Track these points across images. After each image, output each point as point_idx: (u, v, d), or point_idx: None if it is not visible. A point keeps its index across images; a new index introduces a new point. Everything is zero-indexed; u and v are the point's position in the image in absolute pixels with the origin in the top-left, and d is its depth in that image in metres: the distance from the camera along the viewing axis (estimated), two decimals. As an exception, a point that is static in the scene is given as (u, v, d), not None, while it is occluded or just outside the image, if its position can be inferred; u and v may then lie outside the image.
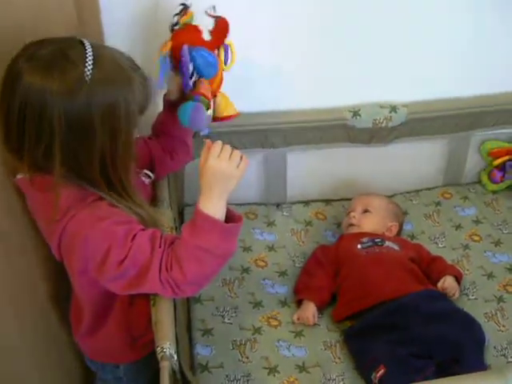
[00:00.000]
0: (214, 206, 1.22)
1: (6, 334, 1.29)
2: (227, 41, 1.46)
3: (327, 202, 2.07)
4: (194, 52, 1.36)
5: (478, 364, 1.49)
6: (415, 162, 2.07)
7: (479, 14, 1.82)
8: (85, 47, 1.16)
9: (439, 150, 2.06)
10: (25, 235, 1.35)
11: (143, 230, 1.22)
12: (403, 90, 1.91)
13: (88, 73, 1.13)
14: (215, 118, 1.48)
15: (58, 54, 1.13)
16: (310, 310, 1.66)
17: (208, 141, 1.27)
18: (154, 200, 1.52)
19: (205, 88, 1.38)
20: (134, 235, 1.19)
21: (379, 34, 1.79)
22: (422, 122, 1.93)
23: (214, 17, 1.44)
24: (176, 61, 1.38)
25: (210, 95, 1.40)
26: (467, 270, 1.81)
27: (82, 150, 1.16)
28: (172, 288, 1.21)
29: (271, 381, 1.51)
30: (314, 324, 1.65)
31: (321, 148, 1.93)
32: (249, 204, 2.02)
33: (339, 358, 1.58)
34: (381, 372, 1.46)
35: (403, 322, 1.54)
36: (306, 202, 2.05)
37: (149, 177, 1.49)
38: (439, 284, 1.68)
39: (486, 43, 1.88)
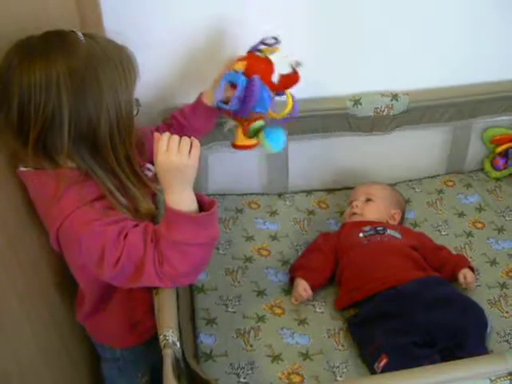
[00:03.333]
0: (179, 199, 1.22)
1: (12, 320, 1.31)
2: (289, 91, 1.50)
3: (329, 191, 2.07)
4: (261, 88, 1.40)
5: (480, 349, 1.48)
6: (417, 150, 2.06)
7: (481, 2, 1.82)
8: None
9: (441, 138, 2.06)
10: (27, 226, 1.36)
11: (136, 225, 1.23)
12: (405, 78, 1.91)
13: (82, 40, 1.19)
14: (235, 146, 1.51)
15: (48, 37, 1.19)
16: (300, 285, 1.65)
17: (156, 134, 1.25)
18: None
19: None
20: (127, 233, 1.20)
21: (380, 22, 1.79)
22: (423, 110, 1.93)
23: (293, 69, 1.48)
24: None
25: None
26: (470, 258, 1.80)
27: (91, 114, 1.18)
28: (169, 280, 1.23)
29: (275, 368, 1.51)
30: (313, 305, 1.66)
31: (322, 137, 1.93)
32: (251, 194, 2.03)
33: (343, 346, 1.58)
34: (383, 362, 1.45)
35: (405, 310, 1.53)
36: (309, 192, 2.06)
37: (150, 171, 1.50)
38: (461, 280, 1.66)
39: (487, 31, 1.88)
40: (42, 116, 1.15)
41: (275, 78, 1.47)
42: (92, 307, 1.43)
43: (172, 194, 1.22)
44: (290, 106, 1.50)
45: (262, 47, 1.47)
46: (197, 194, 1.25)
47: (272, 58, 1.47)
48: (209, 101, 1.56)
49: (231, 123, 1.53)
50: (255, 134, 1.44)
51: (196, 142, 1.23)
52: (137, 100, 1.30)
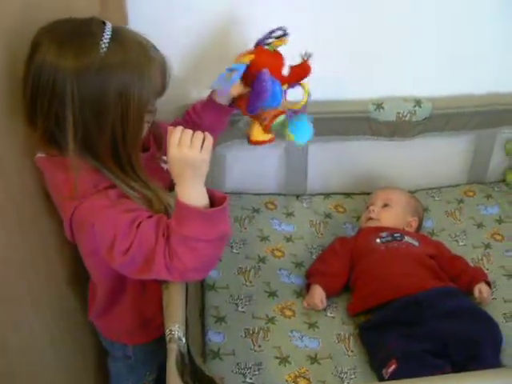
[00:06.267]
0: (190, 194, 1.20)
1: (22, 310, 1.30)
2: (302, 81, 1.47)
3: (347, 195, 2.05)
4: (271, 82, 1.36)
5: (494, 362, 1.45)
6: (438, 158, 2.03)
7: (508, 9, 1.79)
8: (105, 25, 1.18)
9: (464, 147, 2.03)
10: (41, 216, 1.35)
11: (150, 217, 1.22)
12: (429, 84, 1.89)
13: (104, 47, 1.15)
14: (251, 141, 1.48)
15: (75, 29, 1.17)
16: (317, 294, 1.64)
17: (169, 127, 1.24)
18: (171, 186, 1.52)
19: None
20: (139, 223, 1.19)
21: (406, 27, 1.77)
22: (447, 118, 1.90)
23: (303, 59, 1.45)
24: (249, 75, 1.39)
25: None
26: (487, 270, 1.77)
27: (94, 124, 1.17)
28: (178, 275, 1.22)
29: (282, 370, 1.50)
30: (324, 309, 1.65)
31: (343, 140, 1.91)
32: (268, 194, 2.01)
33: (352, 351, 1.56)
34: (392, 367, 1.44)
35: (419, 318, 1.52)
36: (327, 195, 2.04)
37: (166, 163, 1.49)
38: (476, 294, 1.64)
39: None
40: (47, 108, 1.15)
41: (285, 71, 1.44)
42: (104, 301, 1.42)
43: (183, 188, 1.21)
44: (306, 97, 1.46)
45: (270, 40, 1.43)
46: (208, 189, 1.24)
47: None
48: (222, 101, 1.54)
49: (246, 119, 1.52)
50: (279, 128, 1.42)
51: (209, 137, 1.23)
52: (154, 110, 1.30)
